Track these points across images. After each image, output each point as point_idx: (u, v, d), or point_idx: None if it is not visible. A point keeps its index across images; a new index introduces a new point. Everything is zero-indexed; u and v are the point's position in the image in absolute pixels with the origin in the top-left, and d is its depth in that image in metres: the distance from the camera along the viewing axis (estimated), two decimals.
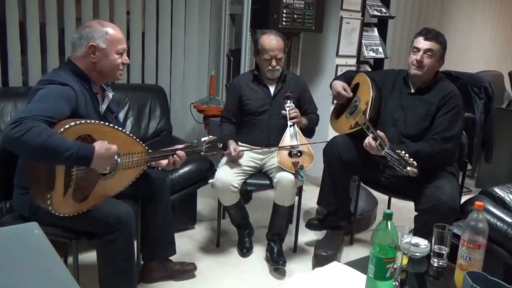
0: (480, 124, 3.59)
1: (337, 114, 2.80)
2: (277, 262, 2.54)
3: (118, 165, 1.94)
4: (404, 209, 2.90)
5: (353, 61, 3.84)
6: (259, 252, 2.77)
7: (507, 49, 7.08)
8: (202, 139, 2.22)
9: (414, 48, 2.44)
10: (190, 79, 3.72)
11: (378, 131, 2.29)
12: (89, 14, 3.12)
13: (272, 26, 3.14)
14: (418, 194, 2.34)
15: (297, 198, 2.71)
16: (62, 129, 1.70)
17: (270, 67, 2.69)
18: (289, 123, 2.60)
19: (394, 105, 2.54)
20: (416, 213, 2.37)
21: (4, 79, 2.95)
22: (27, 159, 1.81)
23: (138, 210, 2.24)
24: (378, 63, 4.12)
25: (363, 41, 3.87)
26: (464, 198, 2.43)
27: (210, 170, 2.84)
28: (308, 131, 2.80)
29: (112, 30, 1.97)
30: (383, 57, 4.04)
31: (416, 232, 2.18)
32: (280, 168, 2.51)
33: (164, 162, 2.14)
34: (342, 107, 2.72)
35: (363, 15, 3.77)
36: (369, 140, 2.28)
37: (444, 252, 1.71)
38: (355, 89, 2.70)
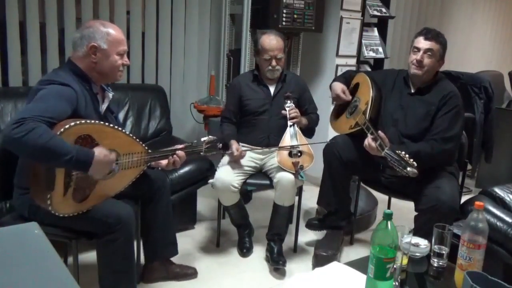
0: (480, 124, 3.59)
1: (337, 114, 2.80)
2: (277, 262, 2.54)
3: (118, 165, 1.93)
4: (404, 209, 2.90)
5: (353, 61, 3.84)
6: (259, 252, 2.77)
7: (507, 49, 7.08)
8: (202, 139, 2.22)
9: (414, 48, 2.44)
10: (190, 79, 3.72)
11: (380, 132, 2.29)
12: (89, 14, 3.12)
13: (272, 26, 3.14)
14: (418, 194, 2.34)
15: (297, 198, 2.71)
16: (62, 129, 1.70)
17: (270, 67, 2.69)
18: (289, 123, 2.60)
19: (394, 105, 2.54)
20: (416, 213, 2.37)
21: (4, 79, 2.95)
22: (27, 159, 1.81)
23: (138, 210, 2.24)
24: (378, 63, 4.12)
25: (363, 41, 3.87)
26: (464, 198, 2.43)
27: (210, 170, 2.84)
28: (308, 131, 2.80)
29: (113, 31, 1.97)
30: (383, 57, 4.04)
31: (416, 232, 2.18)
32: (280, 168, 2.51)
33: (164, 162, 2.14)
34: (342, 107, 2.72)
35: (363, 15, 3.77)
36: (368, 141, 2.29)
37: (444, 252, 1.71)
38: (355, 89, 2.70)
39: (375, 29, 4.09)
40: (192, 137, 3.60)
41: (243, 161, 2.63)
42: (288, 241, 2.78)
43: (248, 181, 2.67)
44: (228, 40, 3.54)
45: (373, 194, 3.27)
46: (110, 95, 2.11)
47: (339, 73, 3.55)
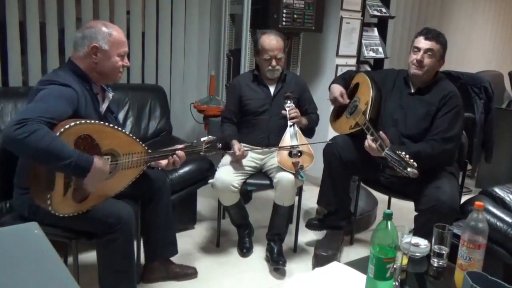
0: (480, 124, 3.59)
1: (336, 114, 2.80)
2: (277, 262, 2.54)
3: (118, 165, 1.94)
4: (404, 209, 2.90)
5: (353, 61, 3.84)
6: (259, 252, 2.77)
7: (507, 49, 7.08)
8: (202, 139, 2.22)
9: (414, 48, 2.44)
10: (190, 79, 3.72)
11: (381, 133, 2.29)
12: (89, 14, 3.12)
13: (272, 26, 3.14)
14: (418, 194, 2.34)
15: (297, 198, 2.71)
16: (62, 129, 1.70)
17: (270, 67, 2.69)
18: (289, 123, 2.60)
19: (394, 105, 2.54)
20: (416, 213, 2.37)
21: (4, 79, 2.95)
22: (27, 159, 1.81)
23: (138, 210, 2.24)
24: (378, 63, 4.12)
25: (363, 41, 3.87)
26: (464, 198, 2.43)
27: (210, 170, 2.84)
28: (308, 131, 2.80)
29: (115, 33, 1.97)
30: (383, 57, 4.04)
31: (416, 232, 2.18)
32: (280, 168, 2.51)
33: (164, 162, 2.14)
34: (342, 107, 2.72)
35: (363, 15, 3.77)
36: (368, 142, 2.29)
37: (444, 252, 1.71)
38: (354, 89, 2.70)
39: (375, 29, 4.09)
40: (192, 137, 3.60)
41: (243, 161, 2.63)
42: (288, 241, 2.78)
43: (248, 181, 2.67)
44: (228, 40, 3.54)
45: (373, 194, 3.27)
46: (110, 95, 2.11)
47: (339, 73, 3.55)
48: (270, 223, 2.67)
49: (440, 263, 1.72)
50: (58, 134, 1.69)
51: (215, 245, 2.84)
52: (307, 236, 2.96)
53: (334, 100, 2.70)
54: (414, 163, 2.08)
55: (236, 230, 2.84)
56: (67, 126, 1.72)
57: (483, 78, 3.71)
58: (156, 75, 3.59)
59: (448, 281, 1.68)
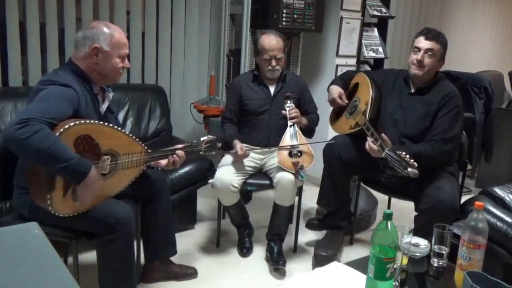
0: (480, 124, 3.59)
1: (336, 114, 2.80)
2: (277, 262, 2.54)
3: (118, 165, 1.94)
4: (404, 209, 2.90)
5: (353, 61, 3.84)
6: (259, 252, 2.77)
7: (507, 49, 7.08)
8: (201, 139, 2.23)
9: (414, 48, 2.44)
10: (190, 79, 3.72)
11: (383, 135, 2.28)
12: (89, 14, 3.12)
13: (272, 26, 3.14)
14: (418, 194, 2.34)
15: (297, 198, 2.71)
16: (61, 130, 1.70)
17: (270, 67, 2.69)
18: (289, 123, 2.60)
19: (394, 105, 2.54)
20: (416, 213, 2.37)
21: (4, 79, 2.95)
22: (26, 159, 1.81)
23: (138, 210, 2.24)
24: (378, 63, 4.12)
25: (363, 41, 3.87)
26: (464, 198, 2.43)
27: (210, 170, 2.84)
28: (308, 131, 2.80)
29: (117, 34, 1.97)
30: (383, 57, 4.04)
31: (416, 232, 2.18)
32: (280, 168, 2.51)
33: (164, 162, 2.14)
34: (342, 107, 2.72)
35: (363, 15, 3.77)
36: (369, 144, 2.29)
37: (444, 252, 1.71)
38: (354, 89, 2.70)
39: (375, 29, 4.09)
40: (192, 137, 3.60)
41: (244, 161, 2.63)
42: (288, 241, 2.78)
43: (248, 181, 2.67)
44: (228, 40, 3.54)
45: (373, 194, 3.27)
46: (110, 95, 2.11)
47: (339, 73, 3.55)
48: (270, 223, 2.67)
49: (440, 263, 1.72)
50: (57, 134, 1.69)
51: (215, 245, 2.84)
52: (307, 236, 2.96)
53: (332, 102, 2.70)
54: (415, 163, 2.08)
55: (236, 230, 2.84)
56: (66, 126, 1.72)
57: (483, 78, 3.71)
58: (156, 75, 3.59)
59: (448, 281, 1.68)
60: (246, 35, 3.42)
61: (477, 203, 1.58)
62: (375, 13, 3.92)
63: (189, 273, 2.44)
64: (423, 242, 1.84)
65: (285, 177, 2.47)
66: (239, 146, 2.57)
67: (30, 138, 1.61)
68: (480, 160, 3.84)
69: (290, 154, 2.52)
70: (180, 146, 2.18)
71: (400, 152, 2.13)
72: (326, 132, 3.35)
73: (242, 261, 2.70)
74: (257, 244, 2.82)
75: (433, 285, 1.72)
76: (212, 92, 3.59)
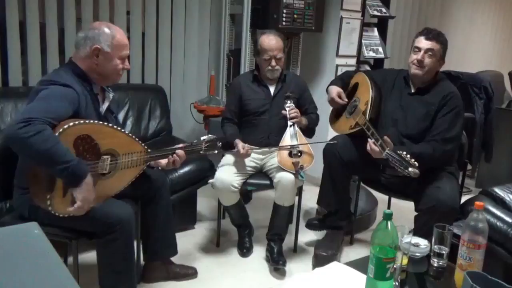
0: (480, 124, 3.59)
1: (336, 114, 2.80)
2: (277, 262, 2.54)
3: (118, 165, 1.94)
4: (404, 209, 2.89)
5: (353, 61, 3.84)
6: (259, 252, 2.77)
7: (507, 49, 7.08)
8: (201, 138, 2.23)
9: (415, 48, 2.44)
10: (190, 79, 3.72)
11: (385, 137, 2.28)
12: (89, 14, 3.12)
13: (272, 26, 3.14)
14: (418, 194, 2.34)
15: (297, 198, 2.71)
16: (61, 130, 1.70)
17: (269, 67, 2.69)
18: (289, 123, 2.60)
19: (394, 105, 2.54)
20: (416, 213, 2.37)
21: (4, 79, 2.96)
22: (25, 158, 1.81)
23: (138, 210, 2.24)
24: (378, 63, 4.12)
25: (363, 41, 3.87)
26: (464, 198, 2.44)
27: (210, 170, 2.84)
28: (308, 131, 2.79)
29: (118, 35, 1.97)
30: (383, 57, 4.04)
31: (416, 232, 2.18)
32: (280, 168, 2.51)
33: (164, 161, 2.14)
34: (341, 107, 2.72)
35: (363, 15, 3.77)
36: (370, 145, 2.29)
37: (444, 252, 1.71)
38: (354, 89, 2.70)
39: (375, 29, 4.09)
40: (192, 137, 3.60)
41: (244, 161, 2.63)
42: (288, 241, 2.78)
43: (248, 181, 2.67)
44: (228, 40, 3.54)
45: (373, 194, 3.27)
46: (111, 95, 2.11)
47: (339, 73, 3.55)
48: (270, 223, 2.67)
49: (440, 263, 1.73)
50: (57, 134, 1.69)
51: (215, 245, 2.84)
52: (307, 236, 2.96)
53: (331, 101, 2.70)
54: (415, 162, 2.08)
55: (236, 230, 2.84)
56: (66, 126, 1.72)
57: (483, 78, 3.71)
58: (156, 75, 3.59)
59: (448, 281, 1.68)
60: (246, 35, 3.42)
61: (477, 203, 1.58)
62: (375, 13, 3.92)
63: (189, 273, 2.44)
64: (423, 242, 1.84)
65: (285, 177, 2.47)
66: (240, 145, 2.57)
67: (33, 137, 1.61)
68: (480, 160, 3.84)
69: (290, 154, 2.52)
70: (180, 145, 2.18)
71: (400, 152, 2.13)
72: (326, 132, 3.35)
73: (242, 261, 2.70)
74: (257, 244, 2.82)
75: (433, 285, 1.72)
76: (212, 92, 3.59)
